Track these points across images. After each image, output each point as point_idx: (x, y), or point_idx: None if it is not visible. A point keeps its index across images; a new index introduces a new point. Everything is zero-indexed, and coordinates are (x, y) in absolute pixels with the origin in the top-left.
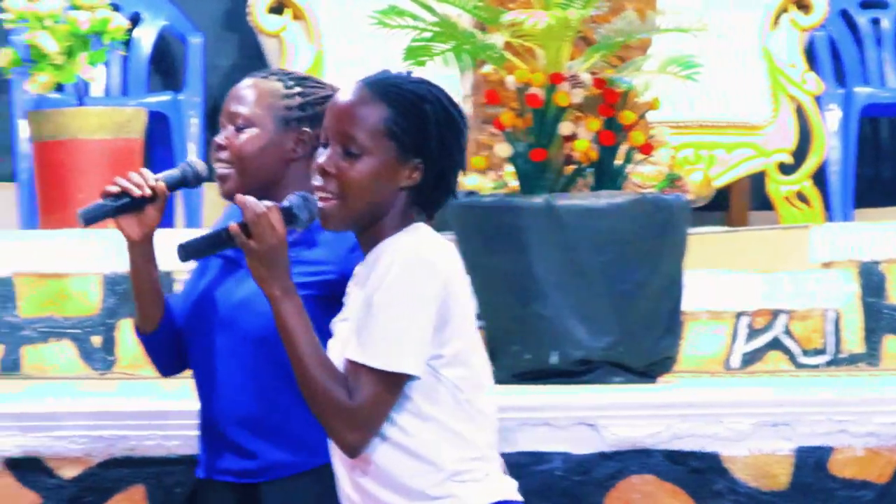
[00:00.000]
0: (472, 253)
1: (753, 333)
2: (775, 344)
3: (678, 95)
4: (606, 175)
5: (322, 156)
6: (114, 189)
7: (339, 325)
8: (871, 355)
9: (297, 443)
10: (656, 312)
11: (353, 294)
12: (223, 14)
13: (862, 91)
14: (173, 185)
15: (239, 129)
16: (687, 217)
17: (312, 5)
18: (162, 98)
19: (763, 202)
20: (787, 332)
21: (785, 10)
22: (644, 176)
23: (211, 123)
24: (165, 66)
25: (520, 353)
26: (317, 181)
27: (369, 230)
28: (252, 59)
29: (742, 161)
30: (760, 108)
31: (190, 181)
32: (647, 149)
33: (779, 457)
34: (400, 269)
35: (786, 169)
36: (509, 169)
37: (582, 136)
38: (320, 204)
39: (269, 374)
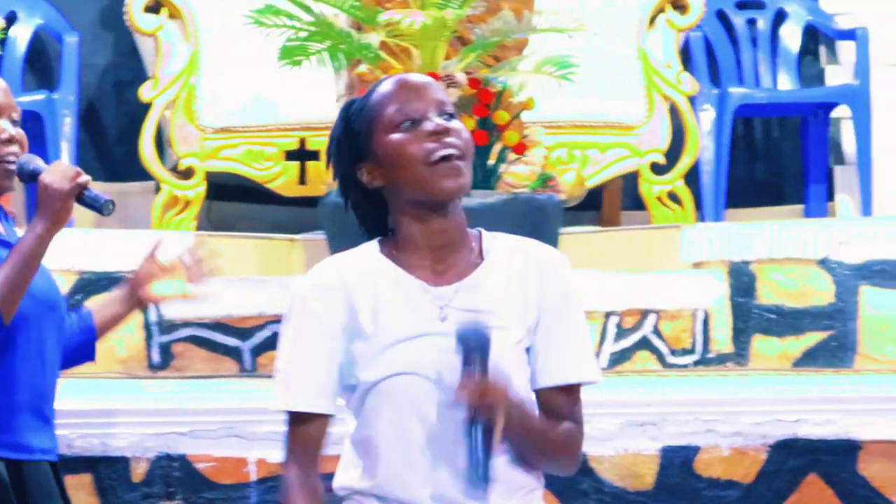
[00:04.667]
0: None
1: (622, 333)
2: (644, 344)
3: (553, 95)
4: (479, 175)
5: (433, 123)
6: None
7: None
8: (739, 355)
9: None
10: None
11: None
12: (99, 13)
13: (736, 91)
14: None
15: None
16: (559, 217)
17: (189, 4)
18: (36, 97)
19: (636, 202)
20: (656, 332)
21: (661, 11)
22: (517, 176)
23: (85, 123)
24: (41, 65)
25: None
26: (451, 140)
27: (455, 215)
28: (128, 58)
29: (615, 161)
30: (635, 109)
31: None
32: (520, 148)
33: (645, 456)
34: (572, 281)
35: (659, 169)
36: None
37: None
38: (453, 164)
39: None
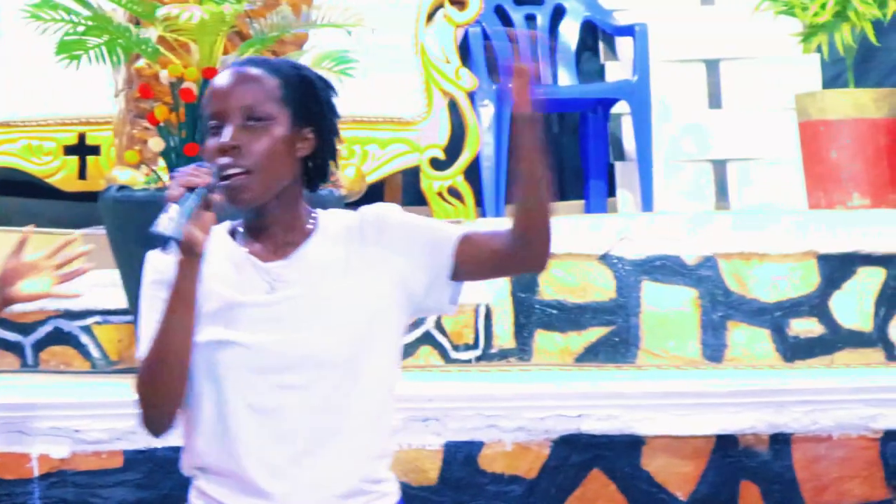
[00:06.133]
0: (125, 247)
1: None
2: (426, 338)
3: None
4: None
5: (221, 137)
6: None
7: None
8: (521, 350)
9: None
10: None
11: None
12: None
13: None
14: None
15: None
16: None
17: None
18: None
19: (417, 197)
20: (438, 327)
21: (440, 6)
22: None
23: None
24: None
25: None
26: (223, 160)
27: (277, 202)
28: None
29: (395, 156)
30: (414, 104)
31: None
32: None
33: (428, 451)
34: (403, 214)
35: (439, 164)
36: (162, 164)
37: None
38: (231, 182)
39: None
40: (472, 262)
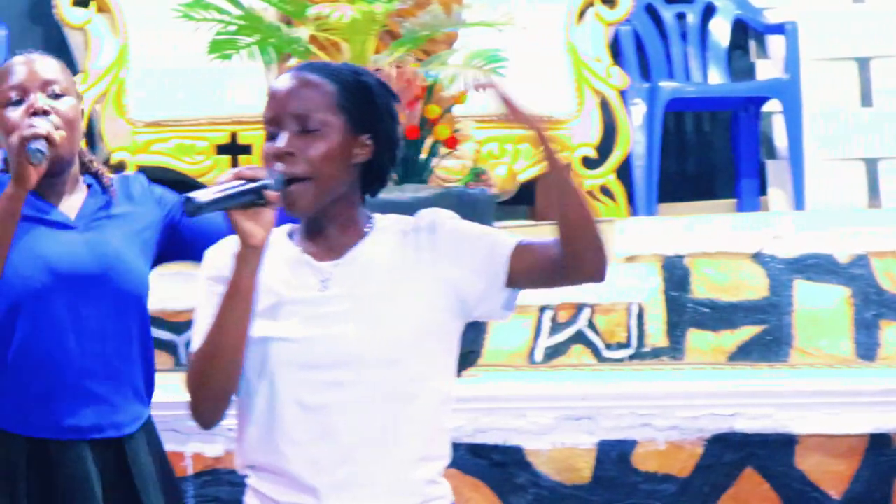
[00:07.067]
0: None
1: (557, 327)
2: (579, 338)
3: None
4: (412, 169)
5: (277, 142)
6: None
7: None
8: (674, 349)
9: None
10: None
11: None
12: (28, 7)
13: (667, 85)
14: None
15: None
16: (492, 211)
17: None
18: None
19: None
20: (591, 326)
21: (590, 5)
22: (449, 170)
23: None
24: None
25: None
26: (278, 167)
27: (333, 207)
28: (57, 51)
29: None
30: (565, 103)
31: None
32: (451, 143)
33: (581, 450)
34: (455, 219)
35: (590, 163)
36: None
37: None
38: (288, 188)
39: (137, 326)
40: (527, 270)
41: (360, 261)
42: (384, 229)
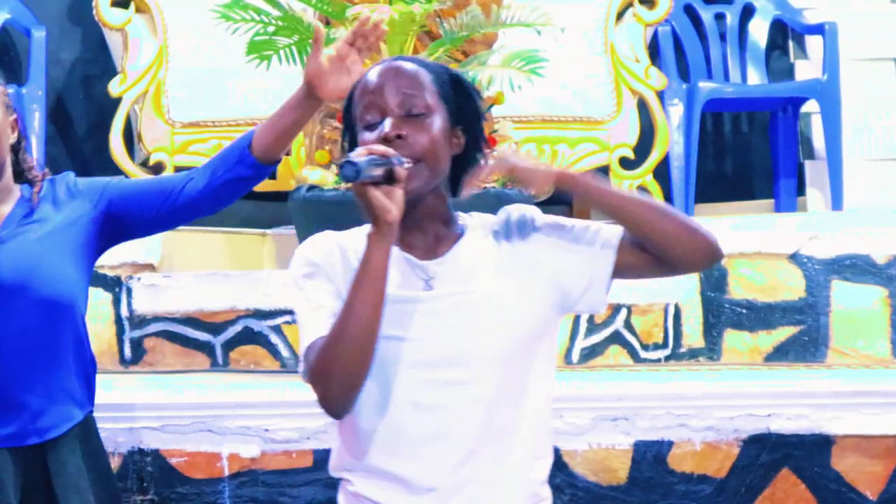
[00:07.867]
0: None
1: (593, 328)
2: (615, 338)
3: (522, 90)
4: None
5: (383, 127)
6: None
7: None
8: (710, 350)
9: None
10: None
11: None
12: (67, 8)
13: (705, 86)
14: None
15: None
16: None
17: None
18: None
19: None
20: (628, 327)
21: (629, 5)
22: None
23: (53, 118)
24: (8, 59)
25: None
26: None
27: (433, 196)
28: (95, 52)
29: (585, 155)
30: (604, 103)
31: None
32: (490, 143)
33: (618, 451)
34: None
35: (628, 164)
36: None
37: None
38: (401, 168)
39: (69, 328)
40: (635, 261)
41: (462, 260)
42: (475, 228)
